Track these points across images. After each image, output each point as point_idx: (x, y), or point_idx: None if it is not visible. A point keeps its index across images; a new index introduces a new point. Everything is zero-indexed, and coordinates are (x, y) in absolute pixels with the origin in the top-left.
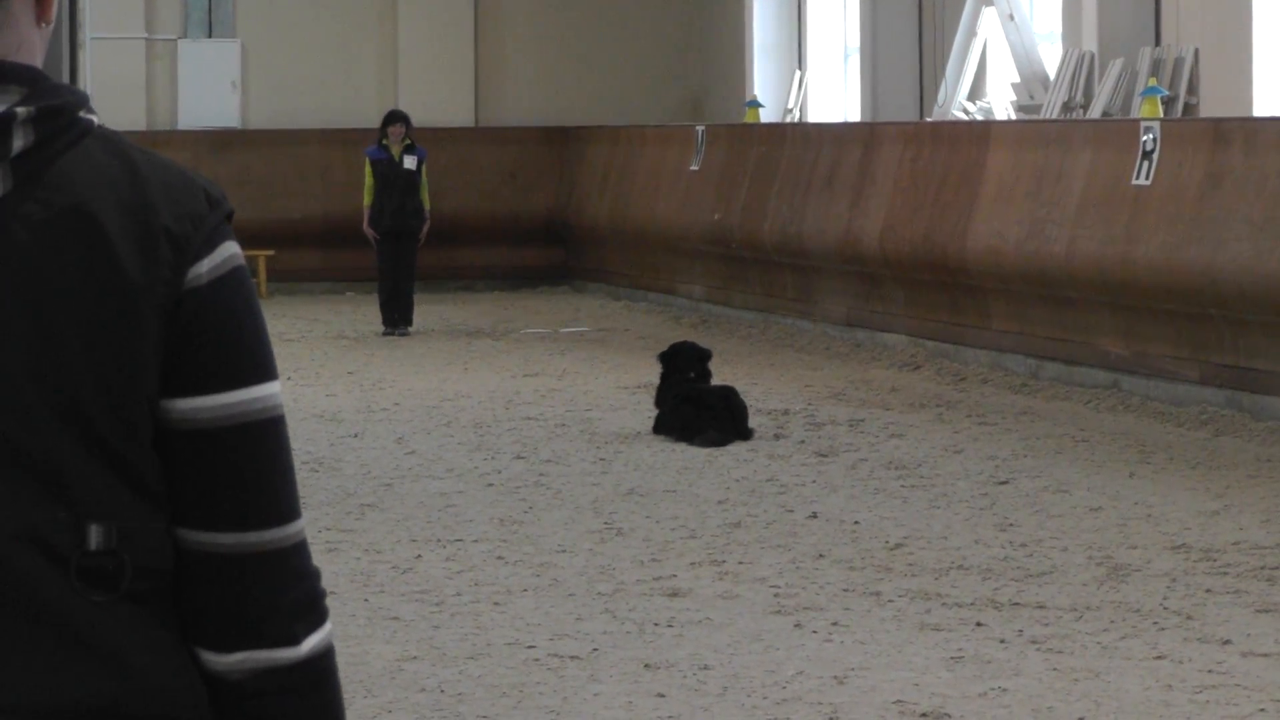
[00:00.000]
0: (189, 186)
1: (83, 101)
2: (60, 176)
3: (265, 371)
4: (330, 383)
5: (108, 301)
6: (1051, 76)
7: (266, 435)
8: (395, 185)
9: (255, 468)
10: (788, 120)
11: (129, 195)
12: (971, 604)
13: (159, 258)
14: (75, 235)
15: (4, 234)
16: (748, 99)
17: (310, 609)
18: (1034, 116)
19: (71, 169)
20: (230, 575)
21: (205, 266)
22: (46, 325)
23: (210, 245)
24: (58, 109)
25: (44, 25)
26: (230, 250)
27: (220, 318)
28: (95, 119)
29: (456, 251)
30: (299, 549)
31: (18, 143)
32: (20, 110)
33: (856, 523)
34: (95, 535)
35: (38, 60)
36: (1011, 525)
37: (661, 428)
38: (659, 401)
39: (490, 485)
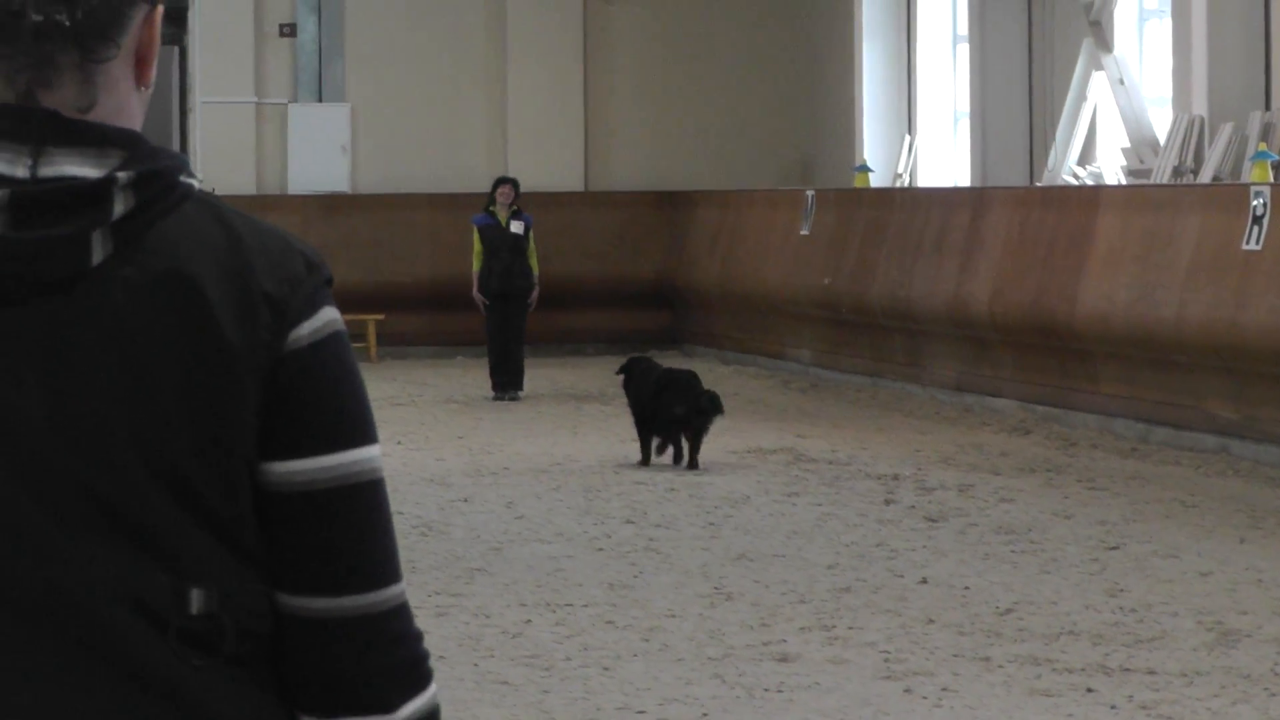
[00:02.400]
0: (288, 251)
1: (182, 165)
2: (160, 240)
3: (364, 434)
4: (439, 447)
5: (206, 365)
6: (1161, 141)
7: (365, 498)
8: (503, 249)
9: (353, 531)
10: (897, 184)
11: (228, 259)
12: (1081, 669)
13: (258, 321)
14: (174, 299)
15: (104, 298)
16: (857, 163)
17: (410, 673)
18: (1144, 181)
19: (171, 233)
20: (327, 640)
21: (305, 330)
22: (145, 388)
23: (310, 309)
24: (158, 173)
25: (144, 89)
26: (329, 315)
27: (319, 381)
28: (195, 183)
29: (565, 315)
30: (398, 612)
31: (118, 207)
32: (121, 175)
33: (966, 588)
34: (196, 598)
35: (137, 123)
36: (1121, 590)
37: (645, 427)
38: (634, 405)
39: (599, 549)
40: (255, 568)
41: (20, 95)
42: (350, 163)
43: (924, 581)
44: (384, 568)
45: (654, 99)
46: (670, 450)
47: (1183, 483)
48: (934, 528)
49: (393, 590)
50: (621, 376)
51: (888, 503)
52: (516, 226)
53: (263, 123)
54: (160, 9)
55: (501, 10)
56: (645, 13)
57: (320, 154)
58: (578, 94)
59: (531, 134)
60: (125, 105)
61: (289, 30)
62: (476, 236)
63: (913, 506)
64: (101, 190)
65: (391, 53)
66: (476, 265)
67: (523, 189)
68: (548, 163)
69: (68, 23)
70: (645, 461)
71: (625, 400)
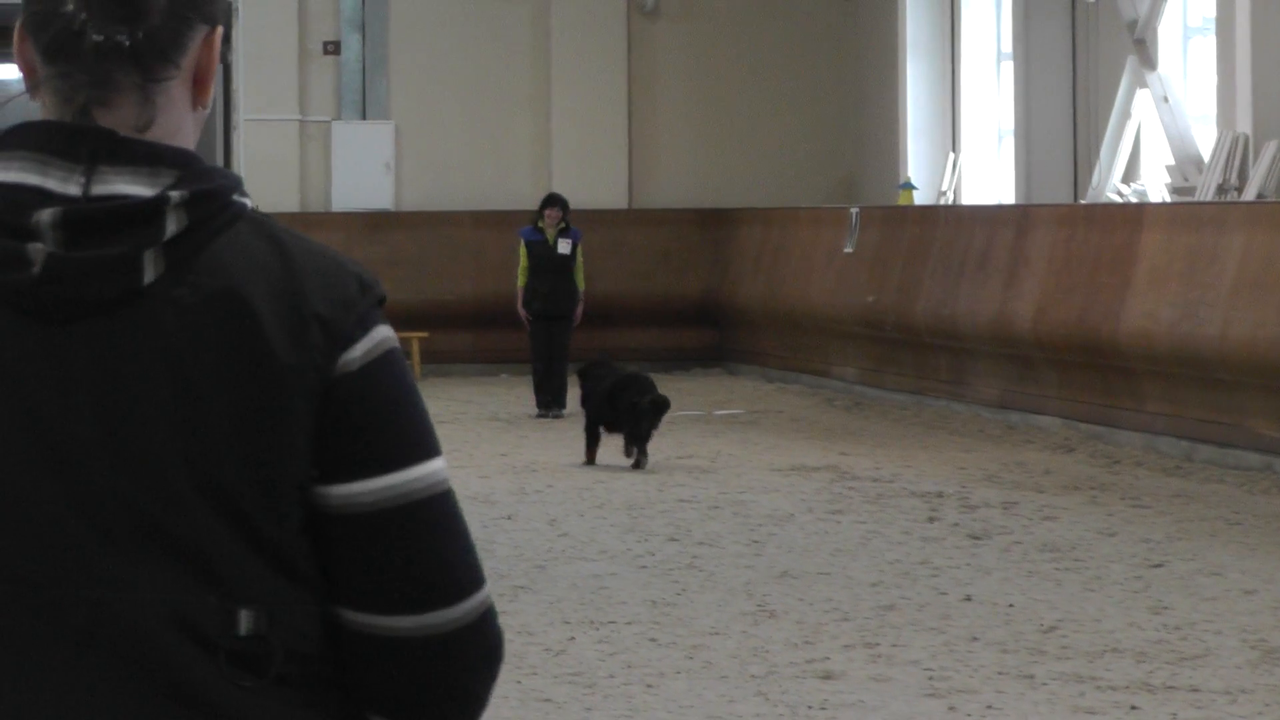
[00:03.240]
0: (340, 271)
1: (235, 185)
2: (212, 261)
3: (425, 449)
4: (483, 464)
5: (257, 386)
6: (1205, 158)
7: (434, 512)
8: (549, 268)
9: (426, 547)
10: (941, 202)
11: (280, 280)
12: (1125, 687)
13: (310, 343)
14: (226, 319)
15: (155, 317)
16: (901, 181)
17: (492, 663)
18: (1188, 199)
19: (223, 253)
20: (414, 658)
21: (358, 351)
22: (195, 409)
23: (363, 329)
24: (211, 193)
25: (200, 109)
26: (383, 334)
27: (375, 401)
28: (248, 202)
29: (610, 333)
30: (484, 619)
31: (171, 227)
32: (174, 194)
33: (1010, 605)
34: (245, 620)
35: (192, 143)
36: (1165, 608)
37: (596, 421)
38: (585, 402)
39: (643, 567)
40: (305, 589)
41: (77, 113)
42: (394, 180)
43: (968, 599)
44: (465, 578)
45: (698, 117)
46: (633, 451)
47: (1227, 501)
48: (977, 545)
49: (476, 598)
50: (579, 380)
51: (931, 520)
52: (564, 246)
53: (307, 140)
54: (219, 31)
55: (546, 28)
56: (689, 31)
57: (364, 172)
58: (622, 112)
59: (576, 151)
60: (182, 125)
61: (333, 48)
62: (523, 252)
63: (956, 524)
64: (154, 210)
65: (435, 70)
66: (521, 280)
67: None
68: (592, 180)
69: (128, 43)
70: (590, 460)
71: (667, 418)
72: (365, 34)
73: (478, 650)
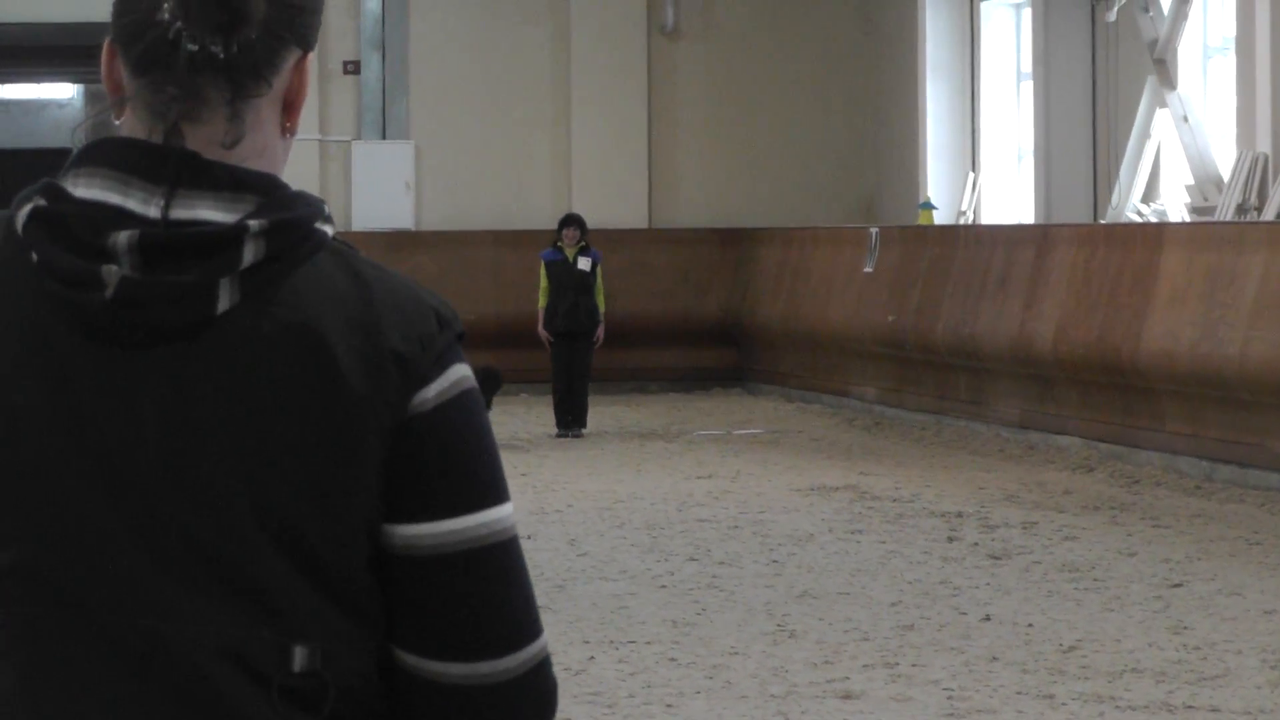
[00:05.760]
0: (420, 306)
1: (318, 214)
2: (289, 292)
3: (495, 495)
4: None
5: (328, 421)
6: (1225, 178)
7: (498, 559)
8: (569, 287)
9: (488, 595)
10: (961, 222)
11: (358, 314)
12: (1145, 707)
13: (385, 379)
14: (299, 352)
15: (227, 347)
16: (921, 200)
17: (546, 713)
18: (1208, 218)
19: (301, 285)
20: (462, 706)
21: (433, 390)
22: (264, 442)
23: (440, 368)
24: (292, 223)
25: (288, 135)
26: (460, 373)
27: (448, 442)
28: (330, 230)
29: (629, 353)
30: (538, 670)
31: (248, 255)
32: (253, 223)
33: (1030, 625)
34: (300, 656)
35: (279, 168)
36: (1185, 628)
37: None
38: None
39: (663, 587)
40: (365, 628)
41: (168, 128)
42: (414, 200)
43: (987, 619)
44: (522, 628)
45: (718, 137)
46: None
47: (1247, 521)
48: (997, 565)
49: (532, 649)
50: None
51: (951, 540)
52: (584, 264)
53: (327, 160)
54: (311, 57)
55: (566, 48)
56: (709, 51)
57: (384, 191)
58: (642, 131)
59: (596, 171)
60: (269, 147)
61: (353, 68)
62: (543, 272)
63: (976, 544)
64: (232, 237)
65: (455, 90)
66: (542, 302)
67: (588, 226)
68: (612, 200)
69: (222, 55)
70: None
71: (687, 438)
72: (385, 54)
73: (530, 701)
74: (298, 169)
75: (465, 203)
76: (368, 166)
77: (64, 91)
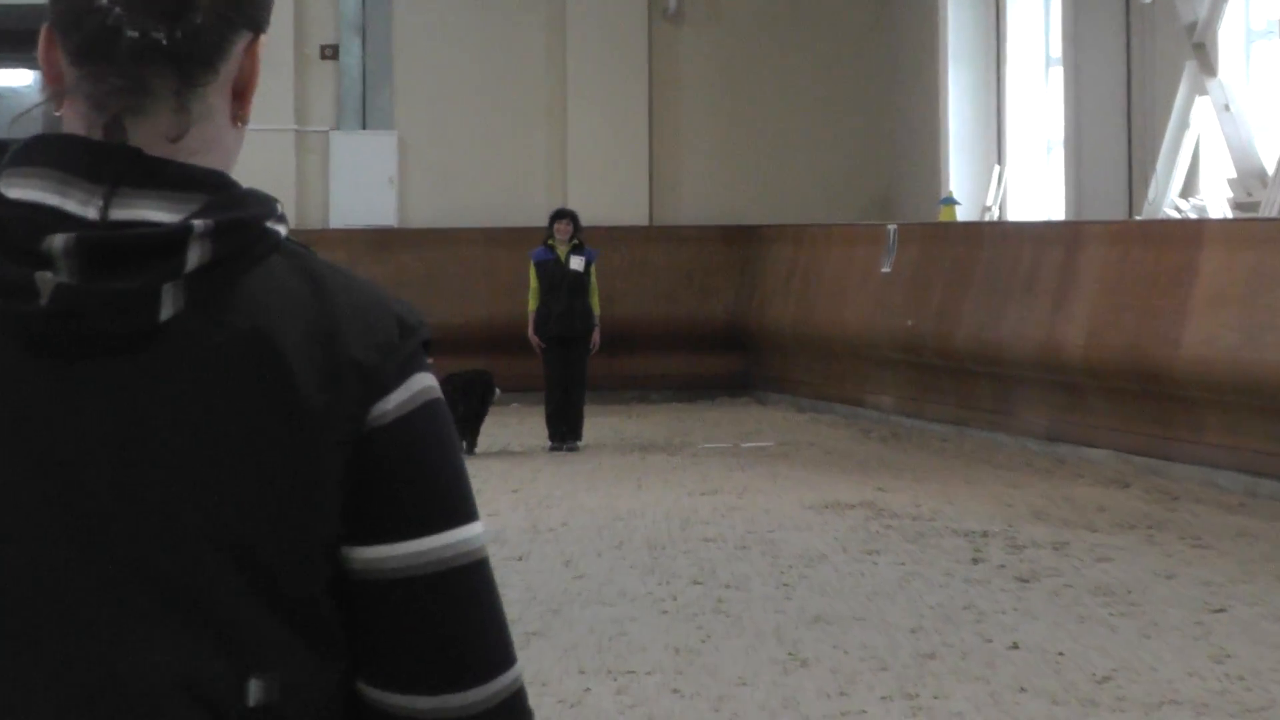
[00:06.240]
0: (381, 312)
1: (270, 211)
2: (239, 297)
3: (462, 513)
4: (493, 500)
5: (284, 436)
6: (1270, 171)
7: (467, 583)
8: (561, 288)
9: (457, 622)
10: (985, 218)
11: (314, 320)
12: None
13: (343, 390)
14: (251, 362)
15: (174, 359)
16: (942, 196)
17: None
18: (1251, 214)
19: (253, 289)
20: None
21: (393, 401)
22: (215, 460)
23: (401, 377)
24: (242, 222)
25: (240, 124)
26: (423, 383)
27: (410, 457)
28: (284, 230)
29: (629, 359)
30: (512, 703)
31: (194, 259)
32: (198, 223)
33: (1060, 653)
34: (255, 690)
35: (230, 162)
36: (1227, 656)
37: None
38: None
39: (665, 612)
40: (326, 657)
41: (109, 121)
42: (398, 195)
43: (1014, 646)
44: (494, 657)
45: (724, 127)
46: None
47: None
48: (1025, 588)
49: (504, 679)
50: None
51: (975, 561)
52: (577, 263)
53: (303, 152)
54: (263, 40)
55: (562, 31)
56: (714, 36)
57: (365, 186)
58: (643, 122)
59: (593, 165)
60: (219, 139)
61: (331, 53)
62: (533, 273)
63: (1002, 565)
64: (176, 239)
65: (442, 76)
66: (533, 305)
67: (584, 224)
68: (610, 196)
69: (165, 41)
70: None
71: (691, 451)
72: (366, 37)
73: None
74: (272, 162)
75: (453, 198)
76: (347, 159)
77: (21, 79)
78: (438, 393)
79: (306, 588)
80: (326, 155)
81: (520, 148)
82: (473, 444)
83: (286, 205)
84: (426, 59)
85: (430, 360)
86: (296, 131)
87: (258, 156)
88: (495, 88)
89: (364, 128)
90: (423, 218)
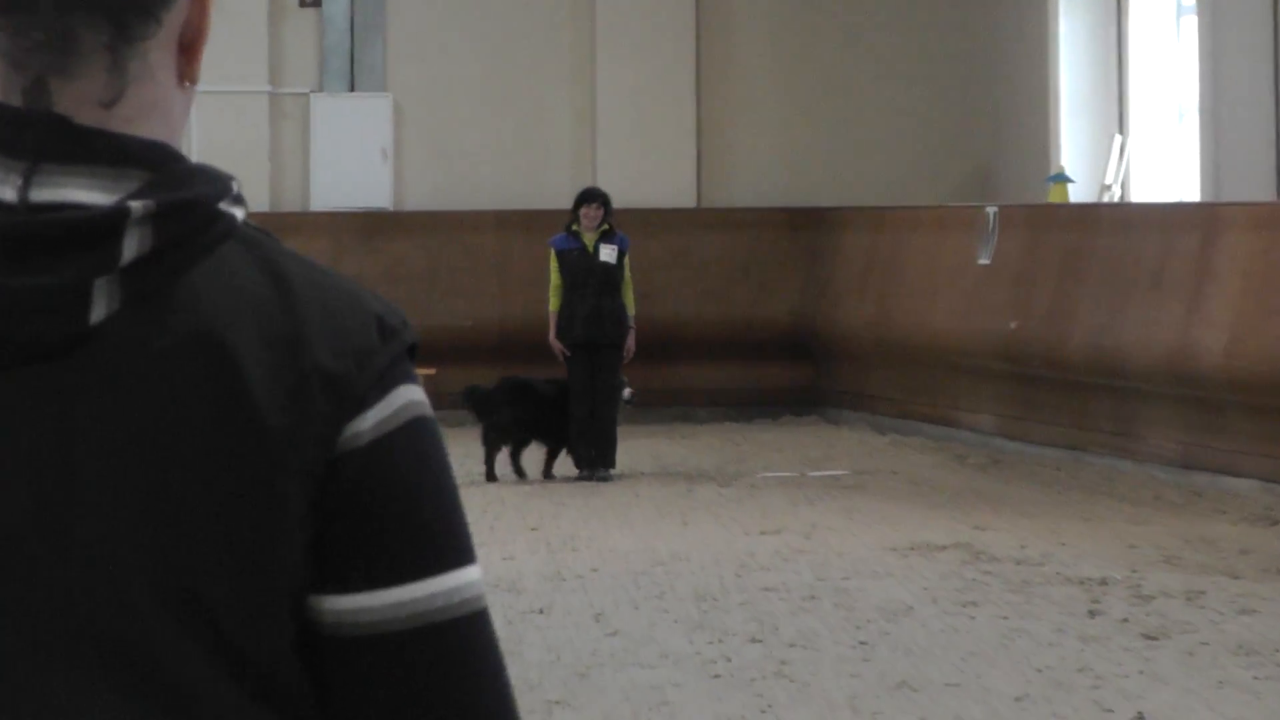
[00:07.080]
0: (357, 312)
1: (223, 191)
2: (186, 294)
3: (454, 555)
4: (508, 541)
5: (237, 460)
6: None
7: (460, 640)
8: (589, 284)
9: (445, 688)
10: (1103, 199)
11: (276, 322)
12: None
13: (310, 407)
14: (200, 371)
15: (108, 368)
16: (1052, 172)
17: None
18: None
19: (202, 284)
20: None
21: (370, 419)
22: (156, 491)
23: (380, 390)
24: (189, 204)
25: (188, 85)
26: (407, 396)
27: (390, 485)
28: (240, 213)
29: (672, 370)
30: None
31: (130, 248)
32: (136, 205)
33: None
34: None
35: (177, 128)
36: None
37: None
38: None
39: (716, 676)
40: None
41: (30, 84)
42: (393, 171)
43: (1140, 717)
44: None
45: (786, 93)
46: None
47: None
48: (1153, 647)
49: None
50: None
51: (1092, 615)
52: (607, 253)
53: (278, 119)
54: None
55: None
56: None
57: (353, 160)
58: (688, 81)
59: (628, 136)
60: (161, 102)
61: (313, 1)
62: (554, 265)
63: (1125, 620)
64: (109, 225)
65: (445, 29)
66: (554, 303)
67: (617, 206)
68: (650, 173)
69: None
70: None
71: (748, 481)
72: None
73: None
74: (240, 132)
75: (460, 176)
76: (332, 127)
77: None
78: (426, 409)
79: (269, 646)
80: (307, 123)
81: (539, 113)
82: (546, 470)
83: (259, 183)
84: (426, 8)
85: (418, 372)
86: (270, 94)
87: (223, 125)
88: (509, 44)
89: (351, 89)
90: (422, 199)
